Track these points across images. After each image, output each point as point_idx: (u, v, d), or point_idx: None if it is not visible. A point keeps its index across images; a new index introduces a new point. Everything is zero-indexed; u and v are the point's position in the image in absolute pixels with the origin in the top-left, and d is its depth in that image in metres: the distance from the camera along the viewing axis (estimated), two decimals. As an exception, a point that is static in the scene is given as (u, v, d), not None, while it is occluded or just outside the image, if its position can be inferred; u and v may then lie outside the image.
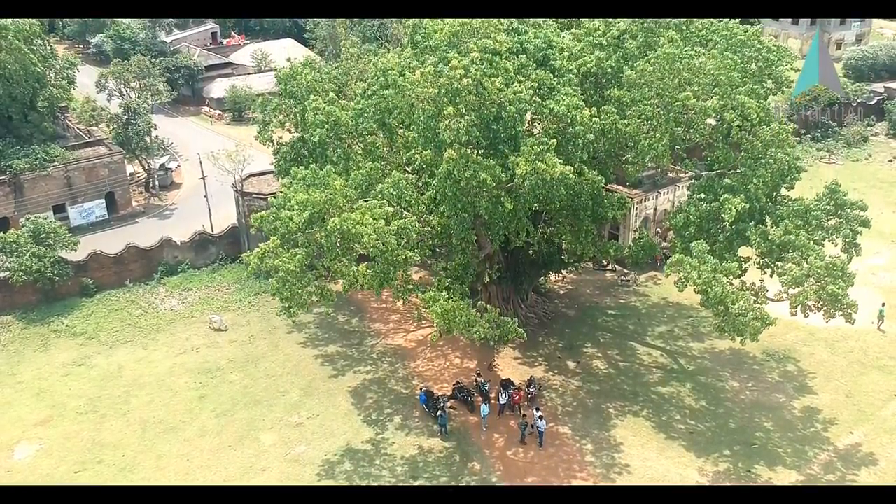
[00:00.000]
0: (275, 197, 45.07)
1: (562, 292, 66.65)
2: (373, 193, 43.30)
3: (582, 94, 48.86)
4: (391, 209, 41.70)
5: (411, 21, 47.63)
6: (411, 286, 44.34)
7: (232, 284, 68.39)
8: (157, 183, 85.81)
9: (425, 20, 46.78)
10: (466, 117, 39.95)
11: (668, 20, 51.33)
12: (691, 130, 47.05)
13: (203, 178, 73.19)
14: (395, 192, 42.80)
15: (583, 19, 53.44)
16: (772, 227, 46.78)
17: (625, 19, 54.17)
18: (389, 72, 43.73)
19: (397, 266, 41.72)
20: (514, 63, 43.88)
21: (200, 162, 73.13)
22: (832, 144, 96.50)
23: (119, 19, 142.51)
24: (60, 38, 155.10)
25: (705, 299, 42.84)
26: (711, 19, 52.08)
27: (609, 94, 49.50)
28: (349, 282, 41.93)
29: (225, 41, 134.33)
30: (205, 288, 68.25)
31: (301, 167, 44.82)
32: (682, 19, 51.29)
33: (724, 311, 42.69)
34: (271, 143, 57.90)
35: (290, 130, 57.64)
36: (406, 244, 42.10)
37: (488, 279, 54.31)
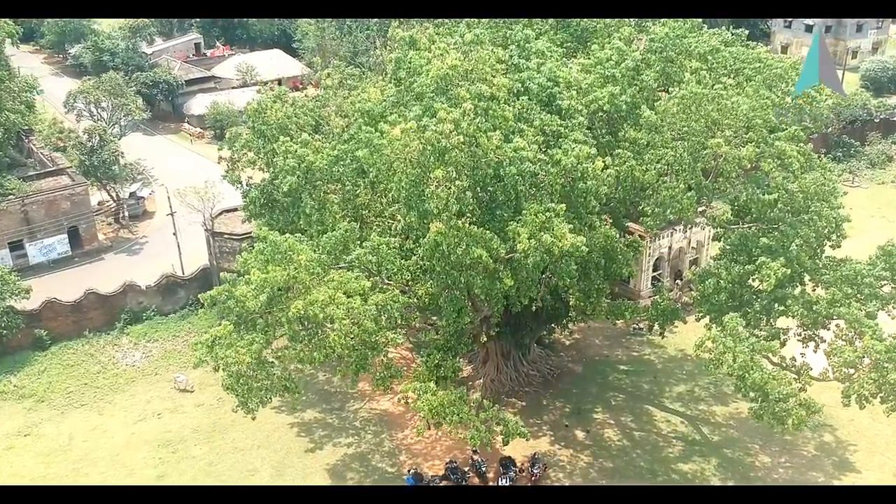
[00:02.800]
0: (240, 255, 38.57)
1: (567, 343, 60.02)
2: (349, 259, 36.64)
3: (591, 136, 42.28)
4: (368, 283, 35.01)
5: (394, 55, 40.87)
6: (393, 372, 37.66)
7: (203, 333, 61.65)
8: (126, 214, 79.09)
9: (410, 53, 40.05)
10: (458, 182, 33.22)
11: (690, 49, 44.75)
12: (720, 179, 40.47)
13: (171, 213, 66.51)
14: (373, 260, 36.16)
15: (594, 47, 46.79)
16: (815, 291, 40.29)
17: (639, 47, 47.79)
18: (364, 129, 37.00)
19: (376, 350, 35.10)
20: (514, 107, 37.19)
21: (168, 198, 66.44)
22: (855, 165, 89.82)
23: (98, 29, 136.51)
24: (39, 48, 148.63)
25: (741, 385, 36.31)
26: (740, 48, 45.44)
27: (624, 136, 42.91)
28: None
29: (209, 52, 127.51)
30: (172, 338, 61.64)
31: (266, 226, 38.19)
32: (708, 48, 44.68)
33: (762, 397, 36.16)
34: (240, 185, 51.27)
35: (261, 170, 51.05)
36: (387, 322, 35.44)
37: (486, 339, 47.80)
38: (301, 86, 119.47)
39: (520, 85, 38.91)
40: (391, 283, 37.92)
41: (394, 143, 33.32)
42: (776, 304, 39.66)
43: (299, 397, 37.35)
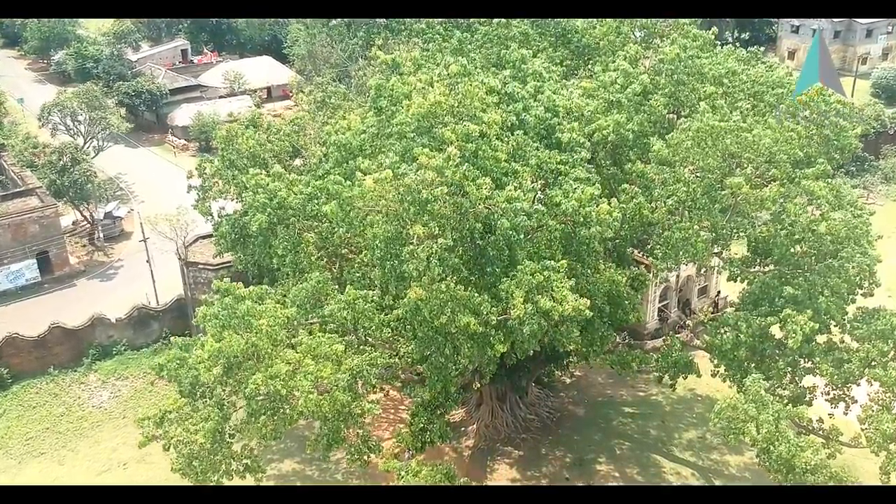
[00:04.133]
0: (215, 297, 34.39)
1: (568, 381, 55.74)
2: (323, 314, 32.36)
3: (595, 169, 38.02)
4: (341, 346, 30.69)
5: (373, 81, 36.50)
6: (370, 445, 33.28)
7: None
8: (101, 235, 74.75)
9: (392, 80, 35.71)
10: (441, 240, 28.87)
11: (704, 71, 40.49)
12: (739, 218, 36.20)
13: (144, 240, 62.25)
14: (349, 316, 31.85)
15: (597, 69, 42.48)
16: (843, 341, 36.09)
17: (646, 66, 43.59)
18: (332, 177, 32.64)
19: (350, 422, 30.82)
20: (508, 144, 32.85)
21: (141, 224, 62.22)
22: (868, 180, 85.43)
23: (83, 34, 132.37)
24: (23, 53, 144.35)
25: (766, 459, 32.06)
26: (759, 69, 41.16)
27: (631, 168, 38.66)
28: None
29: (196, 59, 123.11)
30: (143, 375, 57.36)
31: (238, 263, 33.83)
32: (724, 70, 40.41)
33: (788, 469, 31.93)
34: (210, 217, 47.00)
35: (233, 199, 46.78)
36: (364, 387, 31.14)
37: (478, 386, 43.67)
38: (291, 94, 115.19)
39: (514, 118, 34.55)
40: (370, 339, 33.61)
41: (367, 195, 29.02)
42: (802, 361, 35.41)
43: (262, 476, 33.00)
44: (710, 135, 34.34)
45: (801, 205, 34.41)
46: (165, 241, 60.37)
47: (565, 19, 49.02)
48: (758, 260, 39.54)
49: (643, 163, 39.73)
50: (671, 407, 52.87)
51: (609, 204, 32.82)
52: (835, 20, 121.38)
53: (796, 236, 34.82)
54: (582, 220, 32.25)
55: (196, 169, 48.07)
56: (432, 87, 31.83)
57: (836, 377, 34.44)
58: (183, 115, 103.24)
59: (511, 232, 29.70)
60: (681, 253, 35.92)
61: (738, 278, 39.54)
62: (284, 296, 34.29)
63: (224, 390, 29.95)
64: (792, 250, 35.22)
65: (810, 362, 35.82)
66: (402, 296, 29.76)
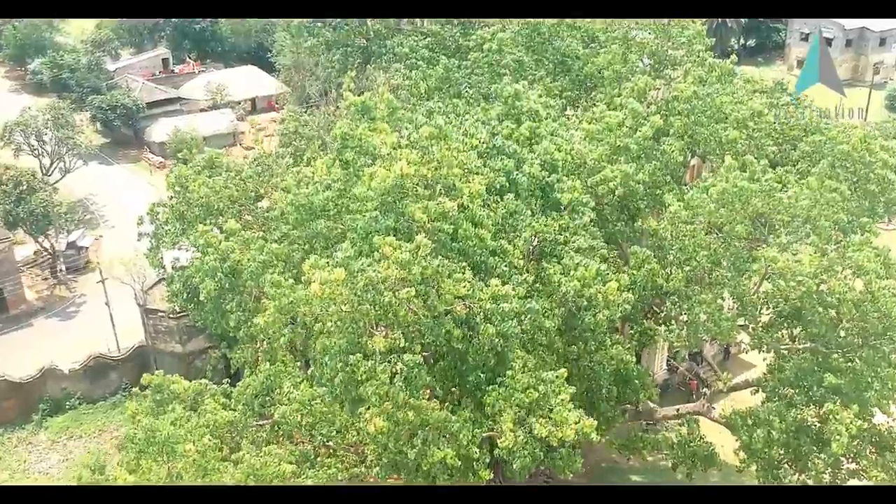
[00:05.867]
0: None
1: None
2: (275, 415, 26.88)
3: (599, 224, 32.59)
4: (290, 466, 25.17)
5: (339, 129, 30.94)
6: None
7: None
8: (63, 268, 69.19)
9: (359, 129, 30.21)
10: (406, 356, 23.39)
11: (726, 111, 35.02)
12: (770, 286, 30.76)
13: (102, 280, 56.78)
14: (304, 422, 26.36)
15: (601, 107, 36.96)
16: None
17: (657, 103, 38.24)
18: (271, 277, 27.03)
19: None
20: (495, 212, 27.36)
21: (100, 272, 56.72)
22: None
23: (62, 41, 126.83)
24: (1, 61, 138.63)
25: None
26: (789, 110, 35.76)
27: (642, 225, 33.24)
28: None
29: (177, 69, 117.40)
30: (99, 433, 52.06)
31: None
32: (748, 111, 34.94)
33: None
34: (162, 269, 41.57)
35: (187, 250, 41.33)
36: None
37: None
38: (277, 106, 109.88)
39: (504, 179, 29.04)
40: (331, 445, 28.13)
41: (313, 301, 23.57)
42: (845, 462, 29.99)
43: None
44: (737, 197, 28.90)
45: (845, 280, 28.94)
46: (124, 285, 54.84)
47: (565, 45, 43.63)
48: (785, 324, 34.14)
49: (655, 217, 34.33)
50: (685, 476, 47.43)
51: (618, 280, 27.29)
52: (846, 28, 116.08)
53: (839, 312, 29.36)
54: (586, 303, 26.80)
55: (148, 213, 42.59)
56: (400, 151, 26.20)
57: (887, 481, 29.03)
58: (160, 131, 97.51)
59: (497, 339, 24.29)
60: (702, 330, 30.45)
61: (763, 347, 34.12)
62: (227, 395, 28.83)
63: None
64: (834, 331, 29.77)
65: (856, 463, 30.41)
66: (359, 425, 24.23)
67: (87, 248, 71.98)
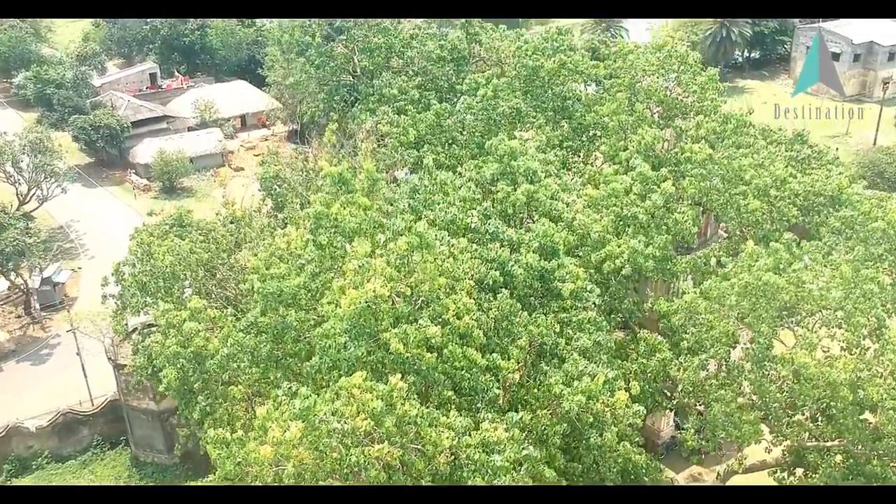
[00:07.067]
0: None
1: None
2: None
3: (605, 309, 29.25)
4: None
5: (313, 208, 27.59)
6: None
7: (112, 482, 49.08)
8: (38, 305, 65.80)
9: (335, 207, 26.87)
10: None
11: (745, 177, 31.69)
12: (796, 388, 27.42)
13: (73, 329, 53.40)
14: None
15: (605, 170, 33.65)
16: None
17: (665, 146, 34.93)
18: (209, 438, 23.62)
19: None
20: (489, 314, 24.01)
21: (71, 322, 53.32)
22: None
23: (48, 54, 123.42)
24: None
25: None
26: (816, 176, 32.42)
27: (652, 307, 29.93)
28: None
29: (165, 84, 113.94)
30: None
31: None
32: (771, 178, 31.62)
33: None
34: (128, 339, 38.23)
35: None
36: None
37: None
38: (268, 123, 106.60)
39: (497, 273, 25.69)
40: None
41: (263, 464, 20.22)
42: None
43: None
44: (763, 293, 25.59)
45: (886, 384, 25.61)
46: (95, 338, 51.48)
47: (566, 88, 40.30)
48: (814, 424, 30.66)
49: (665, 291, 31.01)
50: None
51: (628, 389, 23.93)
52: (854, 42, 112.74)
53: (879, 425, 26.06)
54: (592, 419, 23.46)
55: (113, 273, 39.23)
56: (375, 266, 22.78)
57: None
58: (145, 151, 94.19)
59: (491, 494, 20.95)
60: (721, 434, 27.13)
61: (786, 442, 30.78)
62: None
63: None
64: (873, 442, 26.45)
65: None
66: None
67: (63, 283, 68.57)
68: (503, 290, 25.42)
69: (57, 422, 50.76)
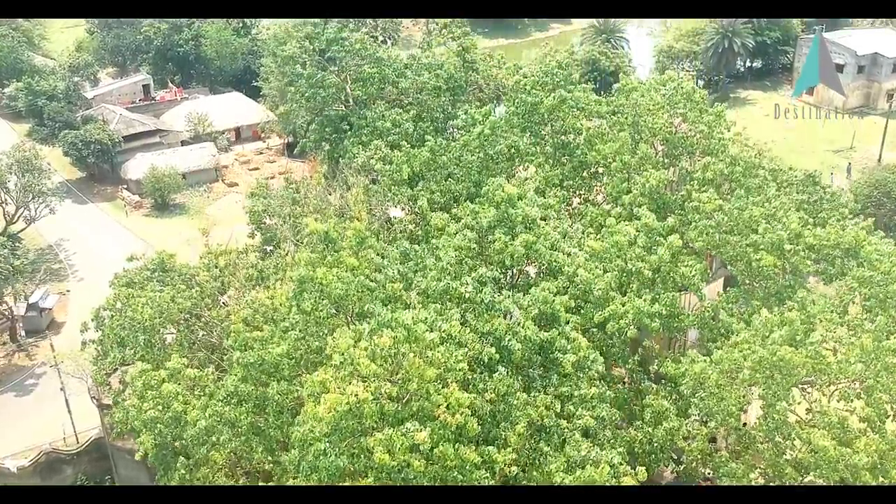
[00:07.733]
0: None
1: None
2: None
3: (608, 380, 27.57)
4: None
5: (297, 272, 25.93)
6: None
7: None
8: (24, 332, 64.08)
9: (321, 271, 25.20)
10: None
11: (758, 230, 29.99)
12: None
13: (56, 364, 51.69)
14: None
15: (609, 222, 31.88)
16: None
17: (671, 187, 33.36)
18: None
19: None
20: (484, 396, 22.27)
21: (54, 355, 51.61)
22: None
23: (40, 64, 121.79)
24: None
25: None
26: (831, 231, 30.74)
27: (658, 369, 28.27)
28: None
29: (159, 96, 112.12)
30: (48, 540, 46.69)
31: None
32: (784, 234, 29.94)
33: None
34: (109, 389, 36.56)
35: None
36: None
37: None
38: (263, 135, 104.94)
39: (493, 349, 23.98)
40: None
41: None
42: None
43: None
44: (778, 369, 23.92)
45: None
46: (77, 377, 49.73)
47: (566, 124, 38.61)
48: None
49: (673, 349, 29.36)
50: None
51: (634, 475, 22.25)
52: (859, 54, 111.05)
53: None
54: (595, 508, 21.78)
55: (92, 319, 37.51)
56: (359, 359, 21.04)
57: None
58: (137, 167, 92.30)
59: None
60: None
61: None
62: None
63: None
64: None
65: None
66: None
67: (50, 308, 66.82)
68: (500, 367, 23.70)
69: (39, 461, 49.11)
